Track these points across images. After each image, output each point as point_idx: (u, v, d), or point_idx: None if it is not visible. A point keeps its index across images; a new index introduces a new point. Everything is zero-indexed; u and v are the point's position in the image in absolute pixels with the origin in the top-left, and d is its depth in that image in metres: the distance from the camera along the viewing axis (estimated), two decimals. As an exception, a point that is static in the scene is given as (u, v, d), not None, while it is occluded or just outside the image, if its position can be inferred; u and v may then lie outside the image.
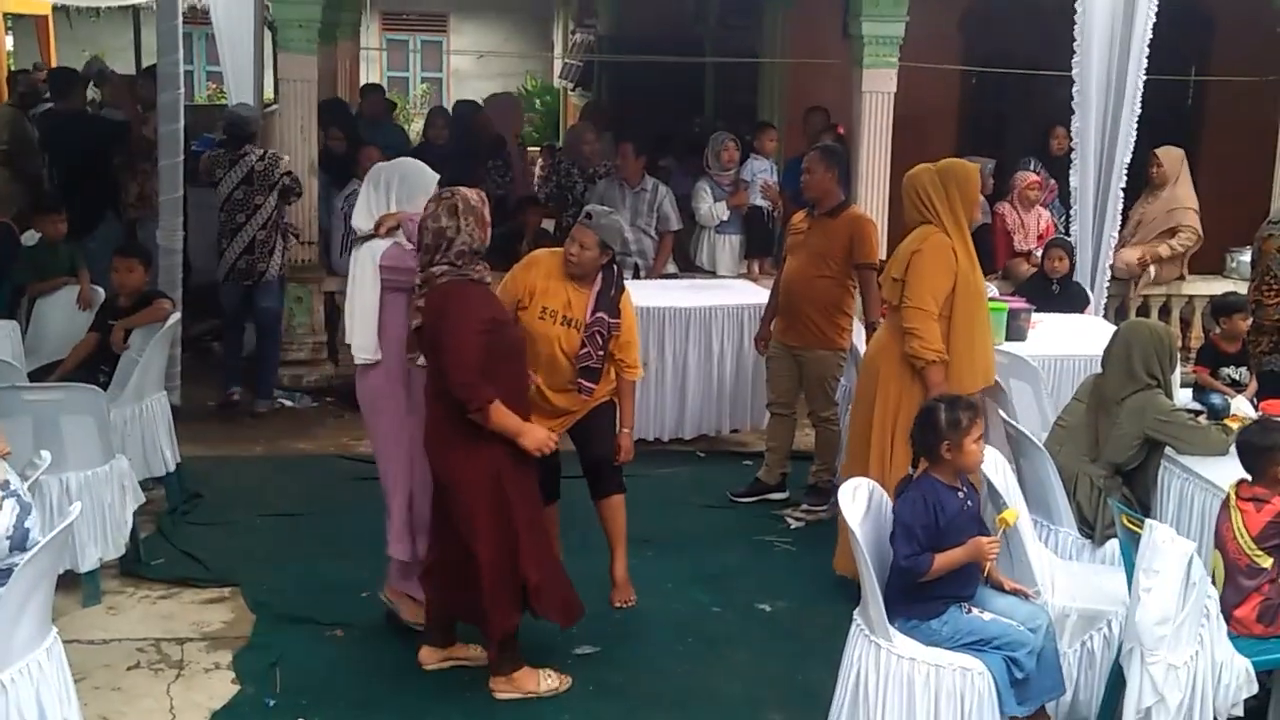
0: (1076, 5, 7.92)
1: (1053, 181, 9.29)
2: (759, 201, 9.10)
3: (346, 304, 5.31)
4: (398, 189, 5.10)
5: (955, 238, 5.28)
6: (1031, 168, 9.33)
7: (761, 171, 9.19)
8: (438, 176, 5.23)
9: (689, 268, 9.10)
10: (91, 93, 11.10)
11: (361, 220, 5.14)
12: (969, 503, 4.21)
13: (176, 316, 6.72)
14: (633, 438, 5.54)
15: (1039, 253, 8.60)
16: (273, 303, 8.18)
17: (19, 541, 3.55)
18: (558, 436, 4.83)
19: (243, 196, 7.94)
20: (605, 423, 5.46)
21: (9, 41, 15.70)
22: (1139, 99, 8.03)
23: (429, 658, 4.86)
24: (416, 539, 5.04)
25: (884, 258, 6.18)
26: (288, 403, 8.34)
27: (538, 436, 4.62)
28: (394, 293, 4.93)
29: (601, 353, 5.28)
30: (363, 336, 5.06)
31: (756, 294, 7.80)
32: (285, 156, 8.22)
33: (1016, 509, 4.44)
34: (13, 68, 14.32)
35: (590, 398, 5.33)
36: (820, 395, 6.58)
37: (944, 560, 4.05)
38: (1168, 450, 5.09)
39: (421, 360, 4.69)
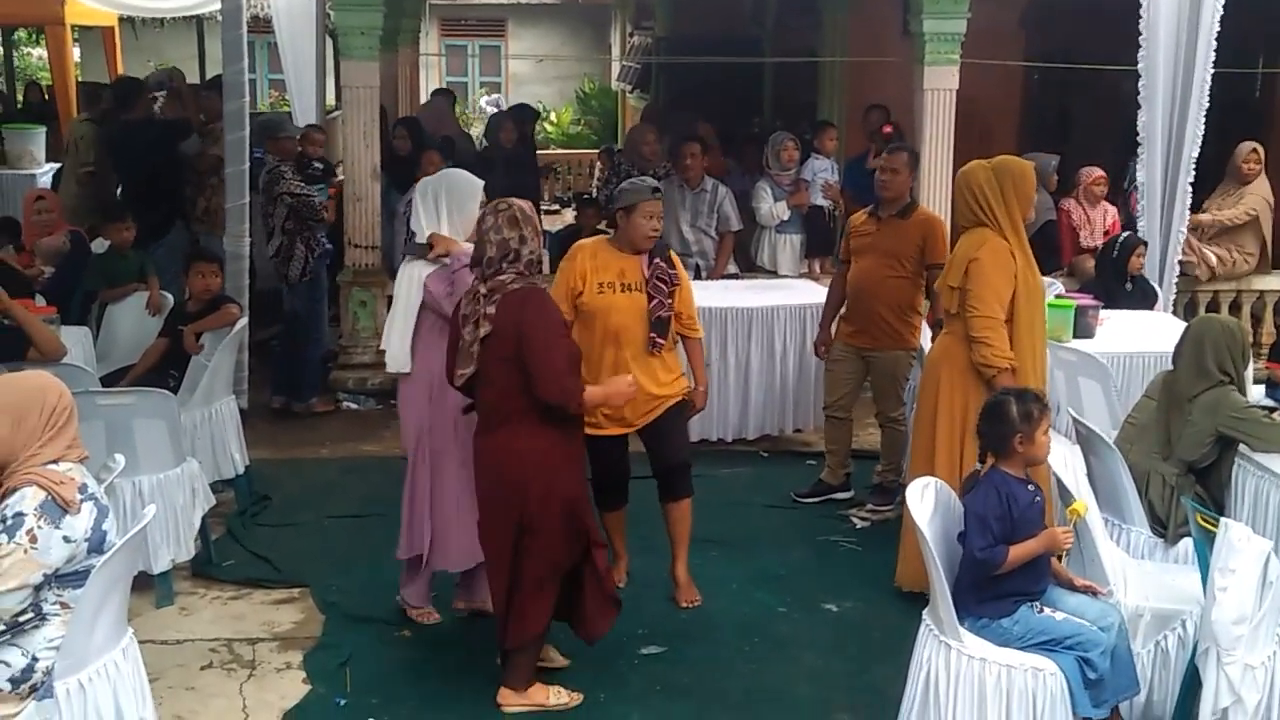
0: (1142, -2, 7.80)
1: None
2: (820, 201, 9.07)
3: (389, 313, 5.44)
4: (447, 200, 5.20)
5: (1011, 239, 5.21)
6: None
7: (822, 171, 9.15)
8: (482, 183, 5.30)
9: (750, 268, 9.08)
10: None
11: (417, 230, 5.27)
12: (1037, 498, 4.18)
13: (244, 321, 6.80)
14: (707, 395, 5.63)
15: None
16: (298, 305, 8.24)
17: (96, 544, 3.60)
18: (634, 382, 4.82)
19: (260, 204, 8.04)
20: (678, 425, 5.47)
21: (76, 53, 15.96)
22: (1207, 92, 7.89)
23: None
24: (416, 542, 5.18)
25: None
26: (353, 405, 8.43)
27: (620, 388, 4.70)
28: (431, 312, 5.05)
29: (669, 300, 5.32)
30: (398, 348, 5.19)
31: (818, 293, 7.75)
32: (289, 172, 8.14)
33: (1085, 501, 4.39)
34: (80, 78, 14.54)
35: (657, 353, 5.32)
36: (891, 395, 6.54)
37: (1019, 552, 4.03)
38: (1241, 448, 5.00)
39: (459, 374, 4.60)
